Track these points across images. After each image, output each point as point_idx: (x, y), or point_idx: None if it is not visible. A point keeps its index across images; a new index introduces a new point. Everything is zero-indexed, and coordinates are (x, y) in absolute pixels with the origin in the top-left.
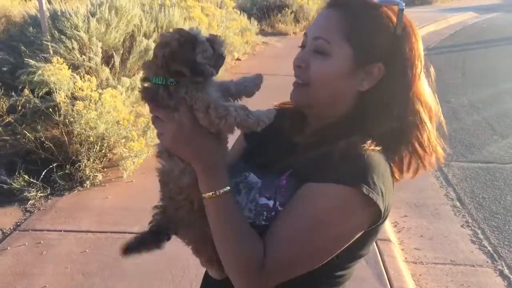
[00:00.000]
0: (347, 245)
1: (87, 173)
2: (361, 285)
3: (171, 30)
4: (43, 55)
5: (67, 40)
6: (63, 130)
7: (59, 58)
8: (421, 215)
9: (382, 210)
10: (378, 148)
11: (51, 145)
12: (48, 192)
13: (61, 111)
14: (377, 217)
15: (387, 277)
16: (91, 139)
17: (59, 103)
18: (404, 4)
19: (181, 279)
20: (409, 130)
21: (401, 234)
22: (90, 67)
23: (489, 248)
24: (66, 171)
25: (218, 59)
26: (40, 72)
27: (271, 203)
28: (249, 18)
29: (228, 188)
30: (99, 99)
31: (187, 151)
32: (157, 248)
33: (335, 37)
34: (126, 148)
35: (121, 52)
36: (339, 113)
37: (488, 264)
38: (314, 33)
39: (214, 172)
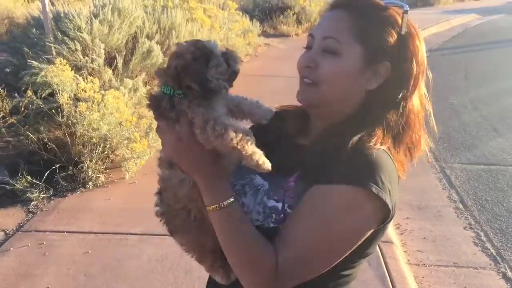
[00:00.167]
0: (357, 244)
1: (89, 174)
2: None
3: (188, 39)
4: (46, 56)
5: (70, 41)
6: (65, 131)
7: (62, 59)
8: (424, 217)
9: (391, 209)
10: (383, 147)
11: (54, 146)
12: (51, 193)
13: (64, 112)
14: (386, 216)
15: (390, 279)
16: (94, 140)
17: (62, 104)
18: (408, 7)
19: (183, 280)
20: (409, 128)
21: (403, 236)
22: (93, 69)
23: (492, 251)
24: (69, 172)
25: (232, 75)
26: (43, 73)
27: (279, 205)
28: (251, 19)
29: (231, 200)
30: (102, 100)
31: (186, 163)
32: None
33: (345, 36)
34: (128, 150)
35: (124, 53)
36: (345, 112)
37: (491, 267)
38: (323, 33)
39: (215, 184)
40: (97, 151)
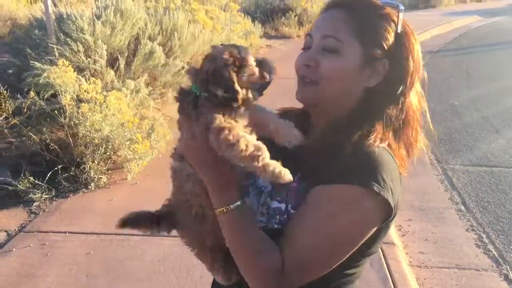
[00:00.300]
0: (361, 243)
1: (91, 175)
2: None
3: (225, 43)
4: (48, 57)
5: (72, 42)
6: (68, 132)
7: (64, 60)
8: (426, 218)
9: (393, 207)
10: (384, 144)
11: (56, 147)
12: (53, 194)
13: (66, 113)
14: (388, 214)
15: (392, 281)
16: (96, 141)
17: (65, 105)
18: (403, 6)
19: (185, 281)
20: (408, 124)
21: (405, 238)
22: (95, 70)
23: (494, 252)
24: (71, 173)
25: (263, 85)
26: (45, 74)
27: (283, 206)
28: (253, 21)
29: (239, 203)
30: (104, 101)
31: (195, 162)
32: (152, 231)
33: (345, 35)
34: (130, 150)
35: (126, 54)
36: (345, 110)
37: (493, 268)
38: (323, 32)
39: (222, 187)
40: (99, 152)
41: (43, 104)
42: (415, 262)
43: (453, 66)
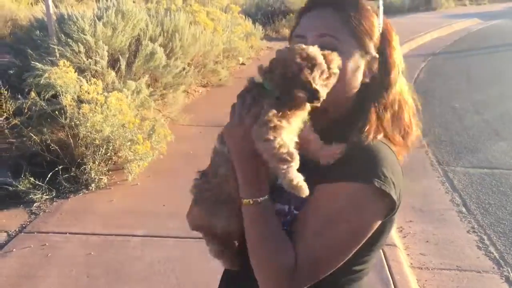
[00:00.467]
0: (366, 238)
1: (92, 176)
2: None
3: (289, 45)
4: (49, 58)
5: (73, 43)
6: (68, 133)
7: (65, 61)
8: (427, 220)
9: (396, 200)
10: (380, 136)
11: (56, 147)
12: (54, 194)
13: (67, 114)
14: (392, 207)
15: (393, 283)
16: (97, 142)
17: (65, 106)
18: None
19: (186, 283)
20: (401, 111)
21: (406, 239)
22: (96, 71)
23: (496, 254)
24: (72, 174)
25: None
26: (46, 75)
27: (286, 207)
28: (253, 23)
29: (267, 197)
30: (105, 102)
31: (234, 148)
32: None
33: (342, 34)
34: (131, 151)
35: (127, 55)
36: (344, 109)
37: (494, 270)
38: (319, 31)
39: (254, 179)
40: (100, 153)
41: (44, 104)
42: (416, 264)
43: (454, 68)
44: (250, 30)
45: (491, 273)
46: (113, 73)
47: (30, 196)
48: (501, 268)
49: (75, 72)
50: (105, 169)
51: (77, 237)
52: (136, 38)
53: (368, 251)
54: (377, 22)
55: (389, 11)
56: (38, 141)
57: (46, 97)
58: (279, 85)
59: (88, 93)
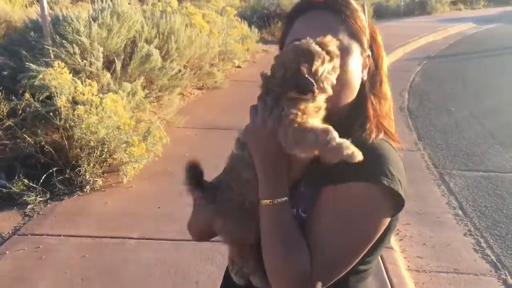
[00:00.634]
0: (377, 237)
1: (87, 178)
2: None
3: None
4: (44, 59)
5: (68, 44)
6: (63, 135)
7: (60, 62)
8: (424, 223)
9: (404, 197)
10: (381, 134)
11: (51, 149)
12: (48, 196)
13: (62, 115)
14: (400, 205)
15: (390, 285)
16: (92, 143)
17: (60, 107)
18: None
19: (182, 285)
20: (390, 110)
21: (403, 242)
22: (91, 72)
23: (492, 257)
24: (66, 176)
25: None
26: (41, 76)
27: (293, 211)
28: (249, 26)
29: (285, 198)
30: (100, 103)
31: (257, 149)
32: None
33: (341, 34)
34: (126, 153)
35: (122, 57)
36: (347, 108)
37: (491, 273)
38: (319, 32)
39: (274, 179)
40: (94, 155)
41: (38, 106)
42: (413, 267)
43: (449, 72)
44: (246, 33)
45: (488, 276)
46: (108, 75)
47: (24, 198)
48: (498, 271)
49: (70, 73)
50: (100, 171)
51: (72, 239)
52: (131, 40)
53: (374, 250)
54: (365, 21)
55: (385, 15)
56: (32, 142)
57: (40, 98)
58: (284, 85)
59: (83, 94)
